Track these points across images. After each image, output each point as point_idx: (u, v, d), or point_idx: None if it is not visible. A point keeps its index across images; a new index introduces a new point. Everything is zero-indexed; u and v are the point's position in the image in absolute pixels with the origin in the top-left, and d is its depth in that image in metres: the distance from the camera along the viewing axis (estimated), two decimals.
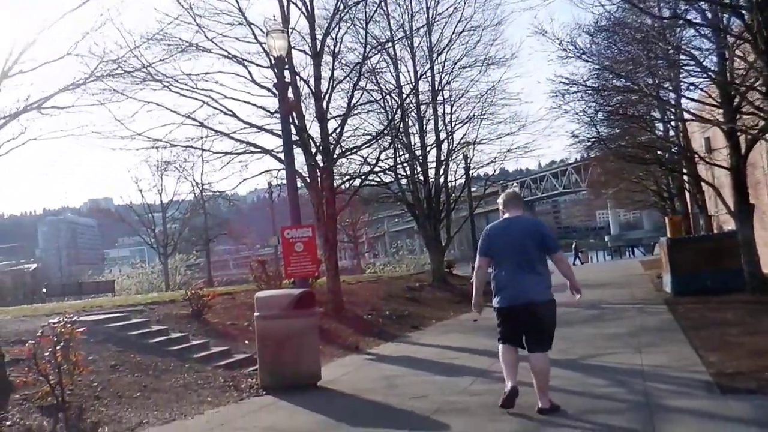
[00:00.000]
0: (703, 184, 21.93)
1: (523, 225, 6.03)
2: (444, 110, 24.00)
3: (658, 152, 19.40)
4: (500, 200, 6.32)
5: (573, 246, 52.78)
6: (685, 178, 22.63)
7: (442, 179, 23.80)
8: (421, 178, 22.87)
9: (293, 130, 14.76)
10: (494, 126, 24.43)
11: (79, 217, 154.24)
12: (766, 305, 12.44)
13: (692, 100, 15.45)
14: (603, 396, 6.67)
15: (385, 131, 16.95)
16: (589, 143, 20.12)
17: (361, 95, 16.57)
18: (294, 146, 14.97)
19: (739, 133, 14.28)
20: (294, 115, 14.47)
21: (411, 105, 22.21)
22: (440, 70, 22.99)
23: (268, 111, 14.97)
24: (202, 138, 15.98)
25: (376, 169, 16.96)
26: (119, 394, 7.48)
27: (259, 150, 15.34)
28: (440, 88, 23.17)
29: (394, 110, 15.91)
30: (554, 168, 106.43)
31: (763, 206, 19.03)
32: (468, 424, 5.98)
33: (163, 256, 38.27)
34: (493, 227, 6.21)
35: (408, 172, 22.14)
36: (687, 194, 28.03)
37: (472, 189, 28.02)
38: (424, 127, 23.20)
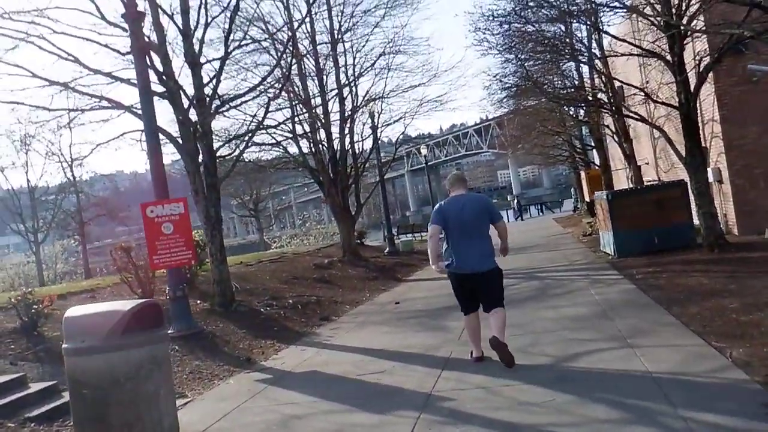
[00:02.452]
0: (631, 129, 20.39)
1: (472, 200, 6.68)
2: (346, 61, 21.13)
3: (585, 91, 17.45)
4: (447, 181, 7.00)
5: (515, 201, 52.27)
6: (609, 125, 20.97)
7: (348, 140, 20.99)
8: (325, 139, 19.95)
9: (156, 78, 11.60)
10: (403, 78, 21.88)
11: None
12: (735, 264, 10.59)
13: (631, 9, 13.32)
14: None
15: (273, 82, 13.88)
16: (511, 86, 17.78)
17: (244, 36, 13.41)
18: (159, 99, 11.88)
19: (688, 66, 12.36)
20: (152, 56, 11.24)
21: (308, 55, 19.23)
22: (339, 14, 20.05)
23: (119, 52, 11.61)
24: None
25: (267, 126, 14.02)
26: None
27: (112, 105, 12.01)
28: (339, 36, 20.27)
29: (283, 49, 12.89)
30: (456, 131, 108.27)
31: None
32: None
33: (34, 245, 33.53)
34: (445, 202, 6.70)
35: (309, 133, 19.11)
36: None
37: (381, 155, 25.51)
38: (325, 81, 20.21)
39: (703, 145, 14.20)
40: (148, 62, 11.06)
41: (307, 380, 7.10)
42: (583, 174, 31.55)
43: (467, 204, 6.53)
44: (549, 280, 12.67)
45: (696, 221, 13.53)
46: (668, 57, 12.45)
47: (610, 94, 15.01)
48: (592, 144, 28.89)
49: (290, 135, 18.45)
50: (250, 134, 12.24)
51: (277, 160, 19.82)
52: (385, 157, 26.03)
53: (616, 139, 20.06)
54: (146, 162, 10.45)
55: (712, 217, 12.31)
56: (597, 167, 28.22)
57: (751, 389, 4.72)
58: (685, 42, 12.15)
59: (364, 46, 21.61)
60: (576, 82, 17.95)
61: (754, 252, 11.53)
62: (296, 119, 18.63)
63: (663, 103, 13.20)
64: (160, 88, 11.78)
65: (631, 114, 13.51)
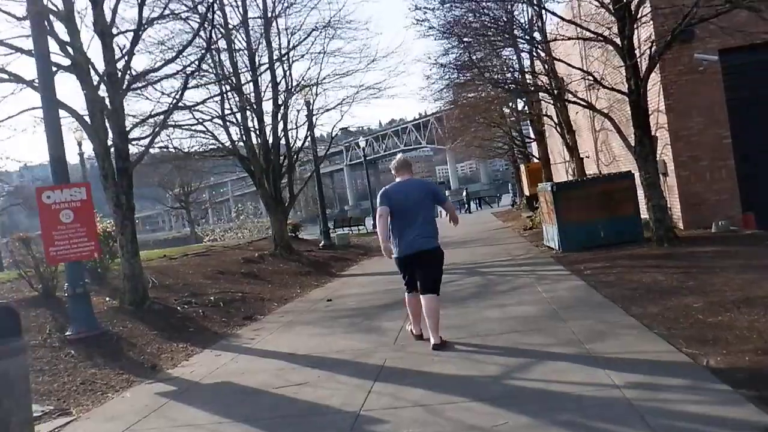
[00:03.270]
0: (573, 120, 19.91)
1: (416, 184, 6.92)
2: (280, 42, 19.88)
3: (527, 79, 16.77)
4: (393, 165, 7.03)
5: (465, 194, 53.00)
6: (552, 116, 20.43)
7: (281, 127, 19.77)
8: (256, 126, 18.65)
9: (60, 49, 10.24)
10: (341, 63, 20.85)
11: None
12: (688, 259, 10.03)
13: None
14: None
15: (195, 58, 12.61)
16: (453, 73, 16.91)
17: (165, 7, 12.05)
18: (65, 72, 10.52)
19: (638, 51, 11.78)
20: (54, 24, 9.89)
21: (236, 29, 17.94)
22: None
23: (14, 16, 10.12)
24: None
25: (189, 106, 12.72)
26: None
27: (10, 78, 10.54)
28: (273, 15, 19.00)
29: (203, 19, 11.56)
30: (395, 126, 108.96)
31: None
32: None
33: None
34: (391, 186, 6.82)
35: (236, 114, 17.74)
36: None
37: (320, 148, 24.45)
38: (257, 60, 18.89)
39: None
40: (49, 29, 9.74)
41: (216, 393, 6.02)
42: (522, 168, 31.15)
43: (412, 187, 6.75)
44: (492, 275, 11.90)
45: (644, 215, 13.06)
46: (617, 41, 11.85)
47: (552, 81, 14.33)
48: (532, 137, 28.50)
49: (217, 116, 17.07)
50: (165, 113, 10.90)
51: (204, 147, 18.40)
52: (323, 150, 24.93)
53: (559, 130, 19.53)
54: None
55: (661, 210, 11.77)
56: (537, 160, 27.83)
57: (744, 410, 3.93)
58: (634, 26, 11.54)
59: (300, 27, 20.25)
60: (517, 70, 17.25)
61: (706, 246, 11.02)
62: (225, 100, 17.30)
63: (612, 89, 12.60)
64: (66, 61, 10.42)
65: (577, 100, 12.85)
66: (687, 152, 14.40)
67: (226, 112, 17.39)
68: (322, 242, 22.22)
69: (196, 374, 6.90)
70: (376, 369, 6.05)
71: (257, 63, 18.81)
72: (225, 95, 16.63)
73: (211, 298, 11.30)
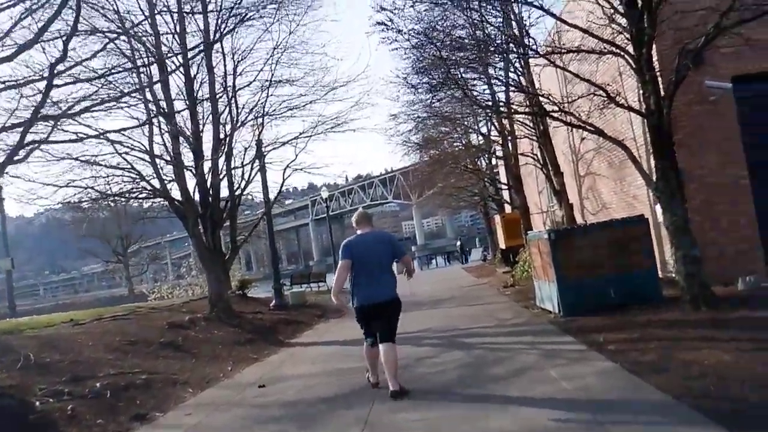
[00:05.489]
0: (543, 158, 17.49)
1: (377, 237, 7.14)
2: (225, 69, 17.29)
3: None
4: (353, 219, 7.30)
5: (459, 244, 51.12)
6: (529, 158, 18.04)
7: (224, 165, 16.97)
8: (192, 164, 15.77)
9: None
10: (293, 93, 18.32)
11: None
12: (746, 329, 7.41)
13: None
14: None
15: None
16: (428, 88, 14.32)
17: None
18: None
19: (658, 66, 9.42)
20: None
21: (172, 58, 15.22)
22: (217, 9, 16.18)
23: None
24: None
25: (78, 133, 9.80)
26: None
27: None
28: (217, 35, 16.40)
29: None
30: (361, 181, 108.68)
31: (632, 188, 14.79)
32: None
33: None
34: (352, 239, 7.07)
35: (171, 153, 14.80)
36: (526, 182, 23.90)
37: (287, 202, 21.74)
38: (196, 90, 16.16)
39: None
40: None
41: None
42: (497, 218, 28.63)
43: (373, 240, 7.02)
44: (480, 348, 9.07)
45: (662, 267, 10.53)
46: (629, 51, 9.48)
47: (545, 99, 11.85)
48: (505, 183, 26.22)
49: (143, 150, 14.17)
50: (26, 123, 7.91)
51: (127, 189, 15.34)
52: (291, 204, 22.19)
53: (545, 172, 17.09)
54: None
55: (694, 262, 9.19)
56: (515, 210, 25.43)
57: None
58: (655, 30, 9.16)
59: (250, 52, 17.75)
60: (508, 84, 14.81)
61: (757, 310, 8.43)
62: (154, 132, 14.46)
63: (630, 109, 10.12)
64: None
65: (582, 123, 10.33)
66: (700, 195, 11.99)
67: (155, 145, 14.50)
68: (274, 302, 19.23)
69: None
70: None
71: (196, 91, 16.09)
72: (151, 123, 13.74)
73: (97, 385, 8.20)
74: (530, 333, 9.63)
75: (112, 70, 11.88)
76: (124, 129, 11.95)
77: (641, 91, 9.57)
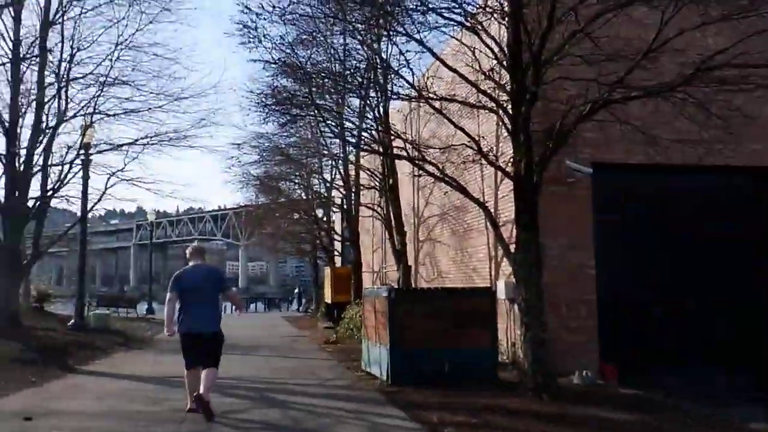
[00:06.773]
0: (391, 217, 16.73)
1: (206, 270, 7.53)
2: (62, 55, 14.92)
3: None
4: (188, 251, 7.64)
5: (297, 291, 50.10)
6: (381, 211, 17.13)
7: (40, 157, 14.36)
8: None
9: None
10: (141, 100, 16.24)
11: None
12: (593, 428, 6.60)
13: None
14: None
15: None
16: (286, 107, 12.88)
17: None
18: None
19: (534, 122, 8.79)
20: None
21: None
22: None
23: None
24: None
25: None
26: None
27: None
28: (55, 19, 14.14)
29: None
30: (192, 214, 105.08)
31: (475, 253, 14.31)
32: None
33: None
34: (182, 270, 7.47)
35: None
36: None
37: (113, 222, 19.07)
38: (22, 75, 13.73)
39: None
40: None
41: None
42: (328, 271, 27.38)
43: (203, 273, 7.39)
44: (298, 409, 7.55)
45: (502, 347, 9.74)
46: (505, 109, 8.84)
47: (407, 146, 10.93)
48: (343, 235, 25.26)
49: None
50: None
51: None
52: (116, 225, 19.49)
53: (389, 228, 16.19)
54: None
55: (543, 347, 8.43)
56: (348, 265, 24.39)
57: None
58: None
59: (91, 44, 15.44)
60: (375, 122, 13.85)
61: (604, 410, 7.73)
62: None
63: (499, 168, 9.41)
64: None
65: (447, 178, 9.46)
66: (543, 278, 11.54)
67: None
68: (73, 321, 16.68)
69: None
70: None
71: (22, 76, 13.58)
72: None
73: None
74: (355, 400, 8.29)
75: None
76: None
77: (513, 154, 8.90)
